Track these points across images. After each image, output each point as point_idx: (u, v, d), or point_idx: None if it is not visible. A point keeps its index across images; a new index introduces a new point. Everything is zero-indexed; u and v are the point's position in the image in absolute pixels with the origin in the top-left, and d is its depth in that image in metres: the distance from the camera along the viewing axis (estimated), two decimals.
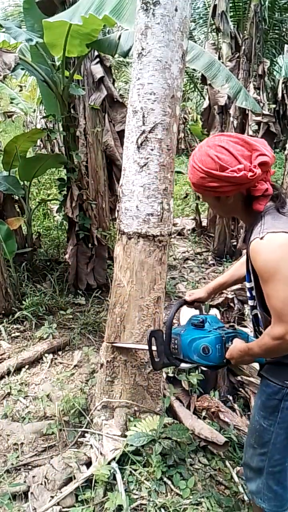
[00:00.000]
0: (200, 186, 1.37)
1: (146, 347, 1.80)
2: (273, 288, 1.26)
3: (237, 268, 1.77)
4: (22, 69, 3.86)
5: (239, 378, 2.61)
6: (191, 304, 1.80)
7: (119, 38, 3.34)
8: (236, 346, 1.50)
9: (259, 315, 1.47)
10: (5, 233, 3.76)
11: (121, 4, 2.81)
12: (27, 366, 3.10)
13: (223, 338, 1.57)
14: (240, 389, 2.58)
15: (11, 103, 10.91)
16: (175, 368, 2.68)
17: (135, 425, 2.07)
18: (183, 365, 1.67)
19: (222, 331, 1.59)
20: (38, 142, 11.58)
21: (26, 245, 4.51)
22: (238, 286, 3.08)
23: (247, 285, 1.50)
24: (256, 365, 1.63)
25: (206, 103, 5.56)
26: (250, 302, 1.53)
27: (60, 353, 3.31)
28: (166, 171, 2.00)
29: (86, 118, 4.12)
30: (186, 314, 2.76)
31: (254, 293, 1.45)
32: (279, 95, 10.56)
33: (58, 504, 1.87)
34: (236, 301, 3.10)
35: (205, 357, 1.55)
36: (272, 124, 4.84)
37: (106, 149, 4.27)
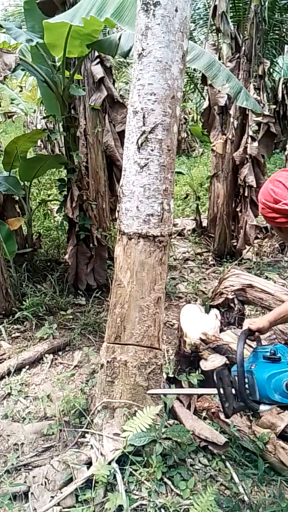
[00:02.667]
0: (264, 216, 1.49)
1: (211, 391, 1.57)
2: None
3: None
4: (22, 69, 3.86)
5: None
6: (252, 333, 1.65)
7: (119, 39, 3.34)
8: None
9: None
10: (6, 234, 3.76)
11: (122, 6, 2.82)
12: (27, 367, 3.10)
13: None
14: None
15: (12, 103, 10.92)
16: (175, 368, 2.68)
17: (130, 425, 2.05)
18: (262, 407, 1.41)
19: None
20: (39, 142, 11.58)
21: (26, 246, 4.51)
22: (239, 286, 3.08)
23: None
24: None
25: (206, 104, 5.56)
26: None
27: (60, 353, 3.31)
28: (167, 171, 2.00)
29: (87, 118, 4.12)
30: (188, 316, 2.76)
31: None
32: (279, 95, 10.56)
33: (58, 504, 1.87)
34: (236, 302, 3.10)
35: None
36: (272, 125, 4.84)
37: (107, 150, 4.28)
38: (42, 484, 2.00)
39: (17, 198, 4.37)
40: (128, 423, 2.04)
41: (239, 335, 1.53)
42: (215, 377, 1.50)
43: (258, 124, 4.78)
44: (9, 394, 2.77)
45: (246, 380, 1.42)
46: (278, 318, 1.70)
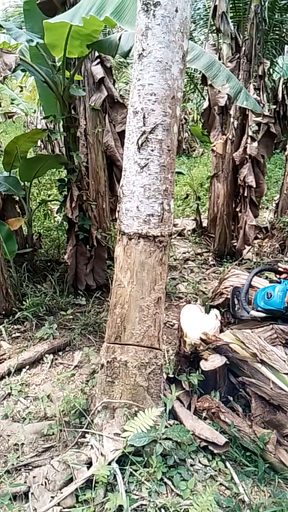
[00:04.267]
0: None
1: None
2: None
3: None
4: (23, 70, 3.86)
5: (240, 378, 2.60)
6: (279, 273, 2.03)
7: (119, 39, 3.34)
8: None
9: None
10: (6, 234, 3.76)
11: (122, 5, 2.82)
12: (27, 367, 3.10)
13: None
14: (241, 389, 2.58)
15: (12, 103, 10.93)
16: (175, 368, 2.68)
17: (131, 426, 2.05)
18: (253, 312, 1.99)
19: None
20: (39, 142, 11.59)
21: (26, 246, 4.51)
22: (238, 286, 3.08)
23: None
24: None
25: (206, 104, 5.57)
26: None
27: (60, 353, 3.31)
28: (167, 171, 2.00)
29: (87, 118, 4.13)
30: (188, 316, 2.76)
31: None
32: (279, 95, 10.57)
33: (58, 504, 1.87)
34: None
35: (267, 301, 1.87)
36: (272, 125, 4.84)
37: (107, 150, 4.28)
38: (42, 484, 2.00)
39: (17, 198, 4.37)
40: (128, 424, 2.05)
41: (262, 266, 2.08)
42: (231, 290, 2.20)
43: (258, 124, 4.78)
44: (9, 394, 2.77)
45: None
46: None
